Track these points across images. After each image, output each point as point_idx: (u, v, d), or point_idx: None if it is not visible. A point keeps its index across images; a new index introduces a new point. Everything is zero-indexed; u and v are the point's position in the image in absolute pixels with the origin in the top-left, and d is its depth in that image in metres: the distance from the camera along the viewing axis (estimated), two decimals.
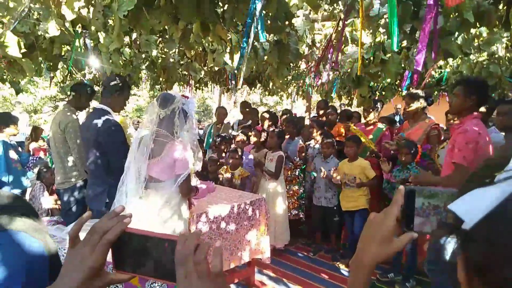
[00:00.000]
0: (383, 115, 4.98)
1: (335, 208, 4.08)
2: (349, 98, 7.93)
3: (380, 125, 4.37)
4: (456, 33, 2.03)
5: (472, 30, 2.77)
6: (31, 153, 6.26)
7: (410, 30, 2.03)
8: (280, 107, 22.06)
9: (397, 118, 6.98)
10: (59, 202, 4.21)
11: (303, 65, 5.83)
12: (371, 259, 0.71)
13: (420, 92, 3.70)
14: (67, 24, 2.70)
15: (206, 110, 25.03)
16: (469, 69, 4.18)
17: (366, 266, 0.72)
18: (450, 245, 2.31)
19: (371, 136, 4.16)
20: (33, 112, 17.32)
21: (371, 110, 4.27)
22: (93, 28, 2.34)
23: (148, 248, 0.70)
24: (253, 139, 4.57)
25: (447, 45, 1.96)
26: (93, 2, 1.81)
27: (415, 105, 3.66)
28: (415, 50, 3.47)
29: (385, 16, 2.34)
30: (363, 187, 3.79)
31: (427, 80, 4.48)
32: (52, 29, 2.61)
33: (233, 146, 4.68)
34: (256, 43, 2.62)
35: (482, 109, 3.03)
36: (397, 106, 8.75)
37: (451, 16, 1.88)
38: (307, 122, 5.75)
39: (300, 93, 10.13)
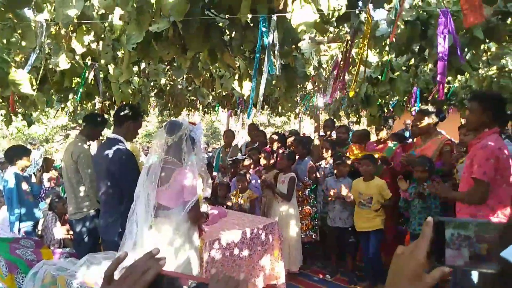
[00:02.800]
0: (393, 132, 4.92)
1: (350, 229, 3.98)
2: (357, 116, 7.90)
3: (390, 143, 4.30)
4: (465, 49, 2.02)
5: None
6: (44, 183, 6.32)
7: (419, 49, 2.02)
8: (288, 126, 22.09)
9: (406, 134, 6.90)
10: (71, 232, 4.20)
11: (309, 86, 5.86)
12: None
13: (431, 108, 3.65)
14: (77, 57, 2.76)
15: (214, 133, 25.16)
16: (478, 83, 4.15)
17: None
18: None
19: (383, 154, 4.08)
20: (45, 141, 17.57)
21: (382, 128, 4.21)
22: (102, 61, 2.38)
23: None
24: (263, 161, 4.54)
25: (457, 63, 1.94)
26: (102, 36, 1.85)
27: (426, 121, 3.59)
28: (424, 67, 3.48)
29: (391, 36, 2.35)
30: (378, 207, 3.68)
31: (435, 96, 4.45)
32: (62, 62, 2.67)
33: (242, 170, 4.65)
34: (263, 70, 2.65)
35: None
36: (406, 122, 8.69)
37: (459, 33, 1.87)
38: (316, 142, 5.71)
39: (308, 112, 10.17)
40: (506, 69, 3.55)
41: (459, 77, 4.52)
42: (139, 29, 1.61)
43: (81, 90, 2.97)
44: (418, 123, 3.68)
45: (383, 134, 4.32)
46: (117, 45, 1.80)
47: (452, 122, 3.91)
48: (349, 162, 4.10)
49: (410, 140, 5.00)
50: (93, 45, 2.37)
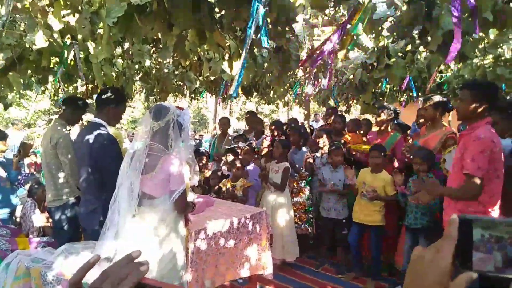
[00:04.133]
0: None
1: (344, 220, 3.90)
2: (347, 105, 7.84)
3: (393, 133, 4.15)
4: (466, 36, 1.92)
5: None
6: (24, 169, 6.09)
7: (420, 32, 1.91)
8: (276, 115, 22.00)
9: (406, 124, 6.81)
10: (51, 220, 4.04)
11: (300, 72, 5.73)
12: None
13: (438, 97, 3.49)
14: (55, 35, 2.57)
15: (201, 120, 24.92)
16: (471, 73, 4.09)
17: None
18: None
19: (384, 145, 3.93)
20: (27, 126, 17.11)
21: (380, 112, 4.03)
22: (79, 36, 2.21)
23: None
24: (244, 156, 4.42)
25: (462, 47, 1.84)
26: (80, 8, 1.69)
27: (431, 110, 3.42)
28: (424, 52, 3.37)
29: (389, 19, 2.24)
30: (380, 203, 3.57)
31: (430, 85, 4.37)
32: (39, 40, 2.48)
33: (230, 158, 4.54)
34: (255, 50, 2.51)
35: None
36: (396, 110, 8.67)
37: (465, 15, 1.77)
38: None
39: (297, 100, 10.06)
40: (503, 58, 3.49)
41: (452, 66, 4.47)
42: (120, 1, 1.46)
43: (60, 71, 2.78)
44: (423, 112, 3.54)
45: (383, 116, 4.10)
46: (96, 19, 1.65)
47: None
48: (343, 151, 4.00)
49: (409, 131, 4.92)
50: (72, 22, 2.19)
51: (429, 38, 1.93)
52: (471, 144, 2.29)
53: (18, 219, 4.35)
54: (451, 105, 3.60)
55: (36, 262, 2.19)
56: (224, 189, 4.12)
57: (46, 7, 2.10)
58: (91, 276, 0.65)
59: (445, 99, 3.55)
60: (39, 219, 4.28)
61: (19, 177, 4.89)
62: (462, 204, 2.37)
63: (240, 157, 4.45)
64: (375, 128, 4.56)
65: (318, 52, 2.44)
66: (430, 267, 0.57)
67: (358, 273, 3.83)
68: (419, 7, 1.69)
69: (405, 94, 5.42)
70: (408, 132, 4.78)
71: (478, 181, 2.23)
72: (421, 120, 3.80)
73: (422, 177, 3.14)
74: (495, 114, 2.72)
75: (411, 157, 3.30)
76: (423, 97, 3.72)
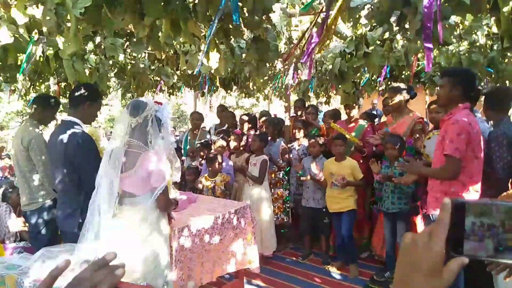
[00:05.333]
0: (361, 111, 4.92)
1: (324, 209, 3.93)
2: (326, 95, 7.86)
3: (361, 121, 4.28)
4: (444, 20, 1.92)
5: (453, 18, 2.70)
6: None
7: (399, 18, 1.90)
8: (256, 108, 21.95)
9: (373, 113, 6.94)
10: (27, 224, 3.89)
11: (279, 65, 5.69)
12: None
13: (402, 85, 3.64)
14: (21, 30, 2.44)
15: (181, 116, 24.62)
16: (447, 60, 4.15)
17: None
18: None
19: (353, 133, 4.05)
20: None
21: (354, 106, 4.16)
22: (45, 29, 2.09)
23: None
24: (233, 143, 4.37)
25: (436, 33, 1.83)
26: None
27: (398, 99, 3.57)
28: (401, 41, 3.39)
29: (366, 7, 2.22)
30: (351, 188, 3.66)
31: (412, 73, 4.43)
32: (4, 36, 2.35)
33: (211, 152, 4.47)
34: (232, 41, 2.45)
35: None
36: (373, 101, 8.75)
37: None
38: (287, 122, 5.61)
39: (277, 93, 10.03)
40: (477, 44, 3.55)
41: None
42: None
43: (24, 65, 2.64)
44: (390, 101, 3.66)
45: (355, 112, 4.28)
46: (62, 11, 1.56)
47: (418, 100, 3.91)
48: (321, 141, 4.03)
49: (377, 119, 5.02)
50: (38, 15, 2.08)
51: (407, 25, 1.93)
52: (449, 127, 2.39)
53: None
54: (414, 93, 3.74)
55: (11, 269, 2.08)
56: (206, 184, 4.05)
57: (9, 0, 1.98)
58: (64, 282, 0.60)
59: (409, 87, 3.72)
60: (15, 224, 4.13)
61: None
62: (446, 184, 2.46)
63: (213, 151, 4.40)
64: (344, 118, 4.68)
65: (302, 46, 2.42)
66: (424, 253, 0.55)
67: (343, 262, 3.87)
68: None
69: (383, 83, 5.46)
70: (376, 120, 4.91)
71: (456, 161, 2.33)
72: (390, 110, 3.90)
73: (405, 159, 3.23)
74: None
75: (384, 143, 3.38)
76: (388, 88, 3.84)
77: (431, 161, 2.88)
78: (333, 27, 2.00)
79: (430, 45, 1.72)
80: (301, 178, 3.96)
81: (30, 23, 2.42)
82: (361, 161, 3.88)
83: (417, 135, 3.39)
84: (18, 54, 2.68)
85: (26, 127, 3.21)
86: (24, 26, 2.39)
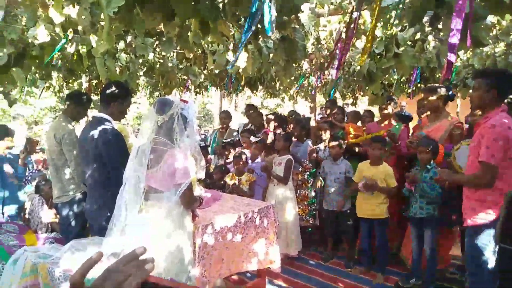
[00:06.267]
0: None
1: (348, 211, 3.86)
2: (353, 97, 7.74)
3: (395, 123, 4.06)
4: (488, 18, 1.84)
5: (490, 18, 2.59)
6: (32, 165, 6.11)
7: (432, 18, 1.84)
8: (281, 109, 21.88)
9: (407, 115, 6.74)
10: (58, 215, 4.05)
11: (305, 65, 5.65)
12: None
13: (440, 85, 3.42)
14: (57, 29, 2.54)
15: (207, 115, 24.88)
16: (481, 62, 3.99)
17: None
18: None
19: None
20: (33, 123, 17.24)
21: (388, 103, 3.97)
22: (80, 27, 2.17)
23: None
24: (254, 151, 4.38)
25: (476, 32, 1.77)
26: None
27: (434, 100, 3.35)
28: (433, 42, 3.29)
29: (399, 7, 2.16)
30: (382, 195, 3.51)
31: (438, 75, 4.28)
32: (41, 34, 2.45)
33: (237, 150, 4.50)
34: (260, 41, 2.45)
35: None
36: (402, 104, 8.54)
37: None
38: (312, 123, 5.55)
39: (303, 94, 9.97)
40: None
41: (461, 55, 4.37)
42: None
43: (52, 56, 2.71)
44: (425, 102, 3.47)
45: (389, 110, 4.05)
46: (97, 10, 1.61)
47: (449, 103, 3.72)
48: (343, 143, 3.95)
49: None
50: (74, 14, 2.16)
51: (440, 26, 1.87)
52: (486, 132, 2.27)
53: (26, 216, 4.37)
54: (453, 94, 3.54)
55: (43, 258, 2.17)
56: (230, 183, 4.08)
57: (47, 0, 2.06)
58: (96, 273, 0.61)
59: (447, 89, 3.50)
60: (47, 215, 4.30)
61: (27, 173, 4.91)
62: (481, 193, 2.32)
63: (249, 151, 4.42)
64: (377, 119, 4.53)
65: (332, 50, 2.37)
66: None
67: (366, 266, 3.79)
68: None
69: (413, 85, 5.32)
70: (410, 123, 4.73)
71: (492, 168, 2.21)
72: (428, 112, 3.72)
73: (427, 167, 3.13)
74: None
75: (416, 146, 3.25)
76: (423, 88, 3.63)
77: (463, 172, 2.76)
78: (370, 26, 1.94)
79: (454, 57, 1.64)
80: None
81: (65, 22, 2.51)
82: (393, 164, 3.72)
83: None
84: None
85: (59, 123, 3.32)
86: (60, 25, 2.48)
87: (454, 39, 1.55)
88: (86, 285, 0.59)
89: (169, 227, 2.31)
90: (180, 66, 4.73)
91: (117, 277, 0.55)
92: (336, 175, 3.92)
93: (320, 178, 4.15)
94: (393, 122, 4.10)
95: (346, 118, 4.93)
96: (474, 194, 2.36)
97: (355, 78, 4.22)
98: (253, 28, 1.60)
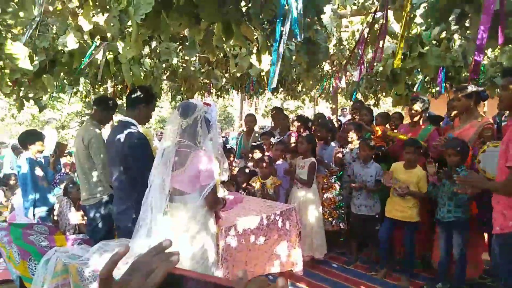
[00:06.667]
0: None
1: (377, 216, 3.79)
2: (375, 98, 7.62)
3: (424, 126, 3.97)
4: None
5: None
6: (60, 168, 6.32)
7: (458, 16, 1.80)
8: (301, 111, 21.80)
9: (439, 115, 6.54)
10: (86, 217, 4.17)
11: (326, 66, 5.62)
12: None
13: (470, 85, 3.29)
14: (85, 37, 2.63)
15: (227, 118, 25.06)
16: (509, 60, 3.86)
17: None
18: None
19: (418, 137, 3.77)
20: (61, 128, 17.79)
21: (415, 101, 3.83)
22: (109, 34, 2.24)
23: None
24: (275, 152, 4.38)
25: (507, 29, 1.71)
26: (108, 7, 1.70)
27: (464, 100, 3.24)
28: (459, 40, 3.21)
29: (422, 5, 2.13)
30: (413, 198, 3.44)
31: (465, 74, 4.15)
32: (70, 42, 2.54)
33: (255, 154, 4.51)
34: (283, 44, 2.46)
35: None
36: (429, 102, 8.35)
37: None
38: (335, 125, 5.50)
39: (323, 95, 9.90)
40: None
41: (488, 53, 4.24)
42: None
43: (84, 64, 2.81)
44: (455, 103, 3.37)
45: (417, 107, 3.87)
46: (125, 17, 1.66)
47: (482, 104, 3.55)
48: (371, 144, 3.87)
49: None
50: (101, 22, 2.23)
51: (467, 23, 1.82)
52: None
53: (55, 217, 4.52)
54: (486, 94, 3.41)
55: (73, 258, 2.25)
56: (256, 186, 4.09)
57: (76, 9, 2.14)
58: (118, 274, 0.63)
59: (479, 88, 3.36)
60: (75, 217, 4.43)
61: (56, 176, 5.07)
62: None
63: (270, 153, 4.42)
64: (406, 121, 4.41)
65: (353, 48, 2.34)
66: None
67: (390, 269, 3.72)
68: None
69: (436, 85, 5.20)
70: (441, 124, 4.58)
71: None
72: (454, 112, 3.61)
73: (457, 170, 3.00)
74: None
75: (445, 148, 3.15)
76: (455, 87, 3.49)
77: (488, 176, 2.66)
78: (401, 26, 1.89)
79: (480, 56, 1.59)
80: (352, 185, 3.81)
81: (93, 30, 2.60)
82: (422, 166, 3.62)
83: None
84: (82, 59, 2.89)
85: (87, 127, 3.42)
86: (88, 33, 2.57)
87: (482, 37, 1.50)
88: (114, 280, 0.61)
89: (194, 228, 2.34)
90: (202, 70, 4.80)
91: (143, 269, 0.57)
92: (366, 179, 3.83)
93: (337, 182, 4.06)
94: (423, 126, 3.96)
95: (375, 120, 4.85)
96: (506, 201, 2.24)
97: (378, 79, 4.15)
98: (285, 34, 1.60)
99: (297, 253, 3.28)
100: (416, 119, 3.96)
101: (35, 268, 2.44)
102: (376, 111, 7.32)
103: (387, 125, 4.57)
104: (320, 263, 4.04)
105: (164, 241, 0.63)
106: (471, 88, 3.27)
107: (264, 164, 4.03)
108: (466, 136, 3.24)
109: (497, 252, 2.29)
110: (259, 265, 2.99)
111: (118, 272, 0.63)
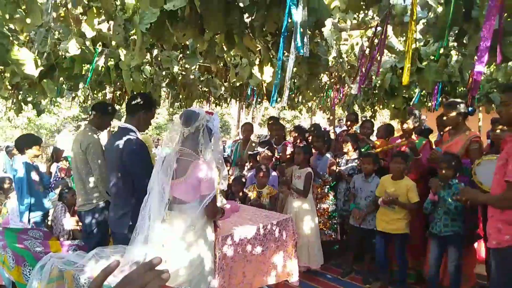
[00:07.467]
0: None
1: (375, 229, 3.80)
2: (372, 110, 7.68)
3: (418, 138, 4.03)
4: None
5: None
6: (57, 173, 6.28)
7: (457, 33, 1.84)
8: (298, 121, 21.88)
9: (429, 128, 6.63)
10: (80, 223, 4.13)
11: (325, 78, 5.66)
12: None
13: (459, 101, 3.43)
14: (87, 43, 2.65)
15: (224, 126, 25.06)
16: (505, 76, 3.93)
17: None
18: None
19: (408, 150, 3.84)
20: (56, 132, 17.70)
21: (409, 117, 3.95)
22: (113, 43, 2.25)
23: None
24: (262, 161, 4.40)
25: (504, 48, 1.75)
26: (113, 16, 1.72)
27: (453, 115, 3.35)
28: (455, 56, 3.27)
29: (421, 21, 2.17)
30: (403, 210, 3.45)
31: (461, 89, 4.22)
32: (72, 48, 2.55)
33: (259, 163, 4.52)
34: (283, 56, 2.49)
35: None
36: (422, 118, 8.43)
37: (505, 14, 1.69)
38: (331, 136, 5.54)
39: (320, 106, 9.97)
40: None
41: (484, 69, 4.28)
42: (153, 6, 1.48)
43: (90, 76, 2.84)
44: (445, 118, 3.45)
45: (409, 125, 4.00)
46: (129, 26, 1.68)
47: (471, 118, 3.64)
48: (373, 158, 3.87)
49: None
50: (104, 29, 2.25)
51: (465, 41, 1.86)
52: None
53: (49, 222, 4.47)
54: (472, 109, 3.52)
55: (68, 265, 2.23)
56: (251, 196, 4.09)
57: (80, 16, 2.16)
58: (114, 281, 0.64)
59: (467, 103, 3.49)
60: (70, 222, 4.39)
61: (51, 181, 5.04)
62: (508, 213, 2.21)
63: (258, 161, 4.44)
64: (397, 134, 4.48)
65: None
66: None
67: (385, 282, 3.72)
68: (458, 7, 1.62)
69: (433, 100, 5.26)
70: (429, 136, 4.66)
71: None
72: (447, 129, 3.69)
73: (450, 183, 3.07)
74: None
75: (438, 162, 3.20)
76: (446, 103, 3.61)
77: (485, 189, 2.68)
78: (408, 43, 1.92)
79: (482, 68, 1.62)
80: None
81: (95, 36, 2.62)
82: (415, 178, 3.66)
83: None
84: (83, 65, 2.90)
85: (85, 132, 3.41)
86: (90, 39, 2.59)
87: (482, 56, 1.54)
88: None
89: (192, 237, 2.33)
90: (201, 78, 4.83)
91: (137, 282, 0.58)
92: (367, 193, 3.83)
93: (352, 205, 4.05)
94: (415, 139, 4.03)
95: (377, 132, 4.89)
96: (500, 215, 2.25)
97: (375, 92, 4.20)
98: (292, 53, 1.62)
99: (293, 263, 3.27)
100: (409, 128, 4.07)
101: (30, 274, 2.41)
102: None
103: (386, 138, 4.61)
104: (316, 274, 4.03)
105: (154, 258, 0.64)
106: (458, 104, 3.39)
107: (262, 174, 4.04)
108: (454, 150, 3.32)
109: (494, 266, 2.31)
110: (257, 276, 2.97)
111: (114, 280, 0.64)
